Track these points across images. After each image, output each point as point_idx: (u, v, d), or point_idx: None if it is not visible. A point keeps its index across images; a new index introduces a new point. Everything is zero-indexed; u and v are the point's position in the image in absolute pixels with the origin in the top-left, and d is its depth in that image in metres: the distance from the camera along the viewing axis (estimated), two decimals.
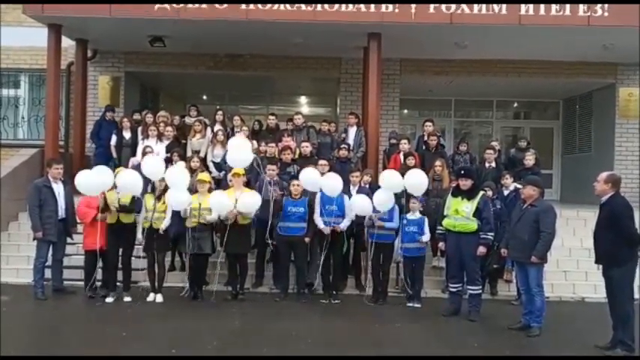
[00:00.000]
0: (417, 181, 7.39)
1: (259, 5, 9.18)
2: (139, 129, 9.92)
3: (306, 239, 7.47)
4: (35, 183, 7.58)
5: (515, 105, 15.38)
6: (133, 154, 9.63)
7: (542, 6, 9.12)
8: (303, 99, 15.63)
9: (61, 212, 7.47)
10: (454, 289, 6.95)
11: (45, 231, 7.30)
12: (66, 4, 9.19)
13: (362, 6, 9.14)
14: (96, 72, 11.76)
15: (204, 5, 9.23)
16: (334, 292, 7.61)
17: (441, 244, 7.20)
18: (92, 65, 11.56)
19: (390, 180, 7.39)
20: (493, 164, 9.22)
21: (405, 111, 14.11)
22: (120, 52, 11.66)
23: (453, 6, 9.16)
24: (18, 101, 12.06)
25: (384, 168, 9.71)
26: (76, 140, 10.79)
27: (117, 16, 9.24)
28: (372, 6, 9.13)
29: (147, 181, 8.30)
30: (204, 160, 9.27)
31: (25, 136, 12.00)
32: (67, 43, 10.56)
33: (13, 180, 9.73)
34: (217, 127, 9.98)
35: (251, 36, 10.21)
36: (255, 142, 9.46)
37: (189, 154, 9.28)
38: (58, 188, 7.50)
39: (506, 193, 8.15)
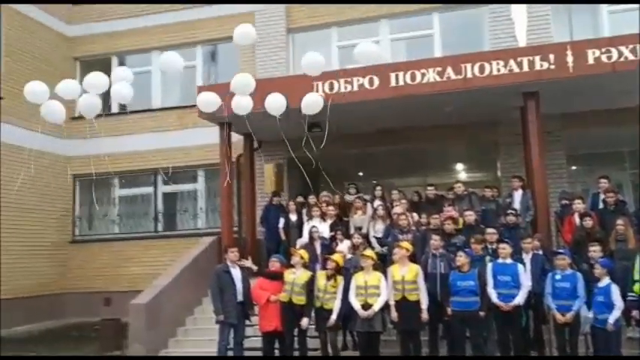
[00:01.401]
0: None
1: (408, 81, 9.40)
2: (304, 211, 10.43)
3: (481, 313, 7.09)
4: (216, 269, 8.18)
5: None
6: (300, 236, 10.06)
7: None
8: (460, 166, 15.35)
9: (239, 295, 7.92)
10: None
11: (226, 314, 7.76)
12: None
13: (515, 67, 8.94)
14: (262, 161, 12.63)
15: (355, 88, 9.67)
16: None
17: (635, 313, 6.43)
18: (258, 155, 12.46)
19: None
20: None
21: (573, 168, 13.19)
22: (281, 140, 12.43)
23: (615, 54, 8.60)
24: (196, 194, 13.32)
25: (557, 231, 9.06)
26: (248, 226, 11.57)
27: None
28: (526, 65, 8.89)
29: (315, 259, 8.57)
30: (366, 237, 9.38)
31: (204, 224, 13.12)
32: (235, 137, 11.55)
33: (196, 267, 10.59)
34: (377, 202, 10.11)
35: (402, 110, 10.39)
36: (415, 214, 9.43)
37: (351, 231, 9.48)
38: (236, 272, 8.00)
39: None
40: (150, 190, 13.57)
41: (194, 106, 11.17)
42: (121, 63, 14.22)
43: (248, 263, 8.27)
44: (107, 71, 14.23)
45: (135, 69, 13.94)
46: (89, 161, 13.61)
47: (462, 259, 7.26)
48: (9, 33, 12.26)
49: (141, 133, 13.48)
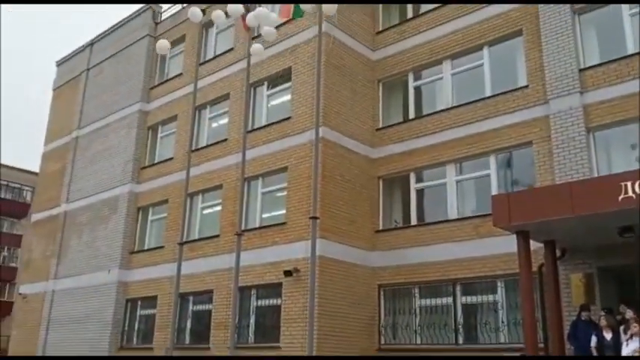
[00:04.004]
0: None
1: None
2: (621, 328, 9.16)
3: None
4: None
5: None
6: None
7: None
8: None
9: None
10: None
11: None
12: (530, 212, 9.82)
13: None
14: (566, 270, 11.64)
15: None
16: None
17: None
18: (562, 264, 11.55)
19: None
20: None
21: None
22: (588, 247, 11.38)
23: None
24: (497, 306, 12.83)
25: None
26: (555, 343, 10.60)
27: (580, 213, 9.28)
28: None
29: None
30: None
31: (506, 339, 12.44)
32: (535, 245, 10.99)
33: None
34: None
35: None
36: None
37: None
38: None
39: None
40: (449, 300, 13.60)
41: (489, 215, 11.20)
42: (418, 178, 15.14)
43: None
44: (406, 186, 15.41)
45: (431, 182, 14.90)
46: (393, 272, 14.54)
47: None
48: (326, 160, 14.22)
49: (438, 244, 13.83)
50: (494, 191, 13.20)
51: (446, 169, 14.50)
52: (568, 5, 13.00)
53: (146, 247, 18.94)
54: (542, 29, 13.29)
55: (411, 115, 15.72)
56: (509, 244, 10.98)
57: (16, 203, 43.49)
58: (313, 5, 11.72)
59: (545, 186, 11.91)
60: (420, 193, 15.19)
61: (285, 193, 15.03)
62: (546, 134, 12.75)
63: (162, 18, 21.64)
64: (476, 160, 14.12)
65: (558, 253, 11.40)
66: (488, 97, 14.11)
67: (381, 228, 15.30)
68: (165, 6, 21.76)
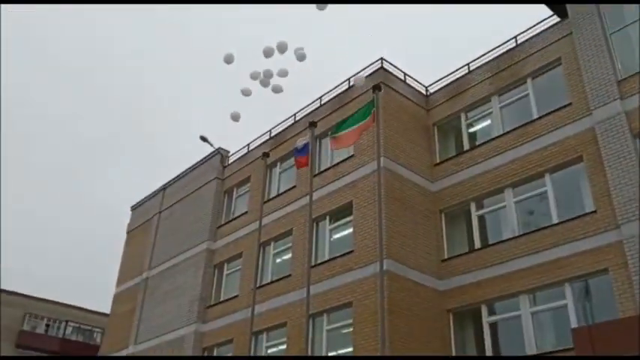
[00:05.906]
0: None
1: None
2: None
3: None
4: None
5: None
6: None
7: None
8: None
9: None
10: None
11: None
12: None
13: None
14: None
15: None
16: None
17: None
18: None
19: None
20: None
21: None
22: None
23: None
24: None
25: None
26: None
27: None
28: None
29: None
30: None
31: None
32: None
33: None
34: None
35: None
36: None
37: None
38: None
39: None
40: None
41: (571, 349, 10.46)
42: (490, 310, 14.45)
43: None
44: (478, 319, 14.68)
45: (505, 315, 14.15)
46: None
47: None
48: (392, 294, 13.92)
49: None
50: (573, 323, 12.41)
51: (519, 301, 13.81)
52: (627, 129, 12.94)
53: None
54: (604, 155, 13.16)
55: (477, 244, 15.40)
56: None
57: (86, 346, 44.04)
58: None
59: (628, 317, 11.12)
60: (494, 326, 14.42)
61: (351, 329, 14.63)
62: (622, 260, 12.14)
63: (230, 161, 22.90)
64: (550, 290, 13.44)
65: None
66: (556, 224, 13.74)
67: None
68: (232, 149, 23.18)
